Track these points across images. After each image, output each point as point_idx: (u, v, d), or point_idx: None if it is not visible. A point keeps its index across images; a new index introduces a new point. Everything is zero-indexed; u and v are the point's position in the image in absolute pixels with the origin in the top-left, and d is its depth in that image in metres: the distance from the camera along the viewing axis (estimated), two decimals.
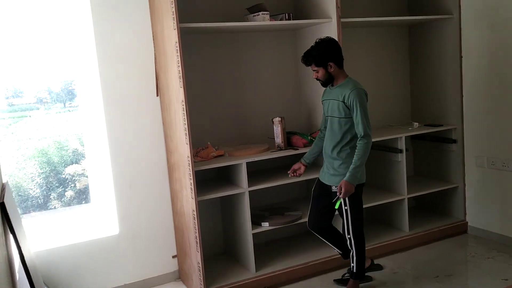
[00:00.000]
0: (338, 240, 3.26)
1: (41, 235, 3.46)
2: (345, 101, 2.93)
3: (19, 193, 3.60)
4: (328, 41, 2.98)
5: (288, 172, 3.31)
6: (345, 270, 3.46)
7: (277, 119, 3.56)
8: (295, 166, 3.30)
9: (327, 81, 3.04)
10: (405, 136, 3.93)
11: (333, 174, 3.06)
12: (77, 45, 3.51)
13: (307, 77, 3.83)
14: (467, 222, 4.18)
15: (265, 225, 3.43)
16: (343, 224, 3.09)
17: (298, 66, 3.98)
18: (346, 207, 3.04)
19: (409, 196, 3.97)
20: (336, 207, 3.03)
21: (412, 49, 4.48)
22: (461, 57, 4.02)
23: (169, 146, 3.48)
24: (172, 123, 3.31)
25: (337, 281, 3.39)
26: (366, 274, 3.28)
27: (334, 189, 3.05)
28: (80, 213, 3.78)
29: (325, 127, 3.15)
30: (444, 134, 4.19)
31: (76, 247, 3.37)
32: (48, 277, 3.27)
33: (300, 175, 3.31)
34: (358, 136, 2.93)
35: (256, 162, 3.46)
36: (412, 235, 3.94)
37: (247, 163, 3.34)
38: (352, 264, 3.14)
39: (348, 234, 3.08)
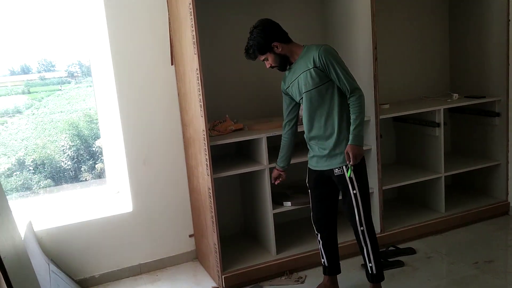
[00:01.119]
0: (333, 247, 2.84)
1: (62, 210, 3.33)
2: (316, 65, 2.53)
3: (51, 165, 3.57)
4: (259, 25, 2.62)
5: (272, 182, 2.95)
6: None
7: None
8: (274, 174, 2.91)
9: (283, 63, 2.67)
10: (443, 109, 3.57)
11: (331, 156, 2.62)
12: (88, 14, 3.27)
13: (335, 44, 3.50)
14: (509, 203, 3.82)
15: (287, 205, 3.18)
16: (353, 213, 2.62)
17: (325, 33, 3.65)
18: (354, 191, 2.59)
19: (446, 174, 3.64)
20: (348, 175, 2.59)
21: (453, 12, 4.06)
22: (508, 20, 3.59)
23: (185, 119, 3.24)
24: (187, 94, 3.06)
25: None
26: (397, 259, 3.00)
27: (337, 172, 2.62)
28: (96, 190, 3.61)
29: (292, 118, 2.80)
30: (486, 106, 3.80)
31: (89, 225, 3.21)
32: (59, 256, 3.13)
33: (284, 179, 2.94)
34: (347, 94, 2.54)
35: (278, 136, 3.18)
36: (448, 217, 3.62)
37: (268, 138, 3.08)
38: (369, 265, 2.67)
39: (361, 225, 2.62)
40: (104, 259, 3.26)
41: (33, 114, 3.58)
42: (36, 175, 3.50)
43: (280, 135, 2.90)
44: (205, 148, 2.85)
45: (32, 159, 3.50)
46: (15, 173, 3.46)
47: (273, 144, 3.32)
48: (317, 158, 2.69)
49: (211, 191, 2.89)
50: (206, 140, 2.83)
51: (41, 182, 3.50)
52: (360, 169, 2.61)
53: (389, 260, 3.19)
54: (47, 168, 3.55)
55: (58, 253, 3.13)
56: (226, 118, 3.24)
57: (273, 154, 3.21)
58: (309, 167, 2.78)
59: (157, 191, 3.35)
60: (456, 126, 4.17)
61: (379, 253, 2.70)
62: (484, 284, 2.85)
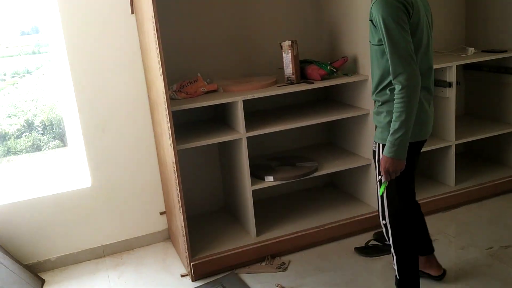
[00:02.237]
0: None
1: (14, 184, 2.91)
2: (371, 18, 1.91)
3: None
4: None
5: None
6: (370, 236, 2.75)
7: (286, 43, 2.73)
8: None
9: None
10: (456, 65, 3.02)
11: (376, 123, 2.08)
12: None
13: None
14: None
15: (269, 180, 2.72)
16: (378, 203, 2.12)
17: None
18: (380, 176, 2.02)
19: (458, 142, 3.13)
20: (380, 193, 2.06)
21: None
22: None
23: (148, 79, 2.74)
24: (147, 48, 2.55)
25: (359, 250, 2.69)
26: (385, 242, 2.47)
27: (373, 146, 2.09)
28: (58, 160, 3.17)
29: None
30: (506, 62, 3.25)
31: (41, 202, 2.78)
32: (7, 238, 2.72)
33: None
34: (395, 74, 1.84)
35: (261, 99, 2.70)
36: (459, 191, 3.14)
37: (246, 101, 2.58)
38: (394, 266, 2.16)
39: (383, 218, 2.10)
40: (61, 240, 2.85)
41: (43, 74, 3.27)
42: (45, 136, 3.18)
43: (266, 98, 2.39)
44: (166, 114, 2.37)
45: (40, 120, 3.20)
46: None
47: (257, 108, 2.86)
48: None
49: (175, 165, 2.43)
50: (166, 104, 2.34)
51: (50, 143, 3.19)
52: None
53: (386, 242, 2.73)
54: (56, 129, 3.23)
55: (5, 235, 2.72)
56: (198, 78, 2.74)
57: (256, 119, 2.75)
58: None
59: (121, 163, 2.89)
60: (471, 86, 3.62)
61: (407, 257, 2.10)
62: (500, 275, 2.39)
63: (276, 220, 2.93)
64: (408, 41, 1.82)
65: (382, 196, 2.07)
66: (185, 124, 2.86)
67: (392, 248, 2.12)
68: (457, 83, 3.06)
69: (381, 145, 2.01)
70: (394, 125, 1.86)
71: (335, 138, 3.31)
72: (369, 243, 2.71)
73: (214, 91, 2.75)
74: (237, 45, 3.03)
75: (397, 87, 1.84)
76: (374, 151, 2.09)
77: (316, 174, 2.80)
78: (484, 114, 3.56)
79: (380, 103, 2.01)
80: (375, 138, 2.07)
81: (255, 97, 2.57)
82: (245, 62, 3.07)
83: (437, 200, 3.08)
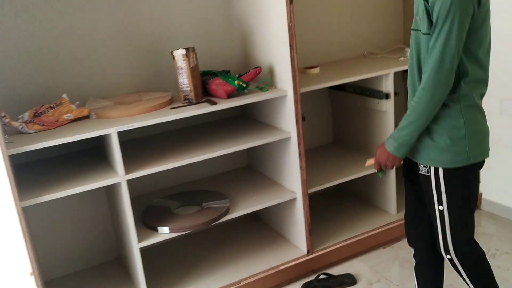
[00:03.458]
0: (429, 274, 1.87)
1: None
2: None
3: None
4: None
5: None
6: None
7: (179, 53, 2.10)
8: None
9: None
10: (394, 73, 2.51)
11: (419, 142, 1.61)
12: None
13: None
14: (481, 193, 2.90)
15: (164, 231, 2.09)
16: (437, 235, 1.70)
17: None
18: (441, 207, 1.65)
19: None
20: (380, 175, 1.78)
21: None
22: None
23: None
24: None
25: None
26: None
27: (422, 170, 1.64)
28: None
29: None
30: None
31: None
32: None
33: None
34: (426, 72, 1.50)
35: (142, 130, 2.08)
36: (401, 220, 2.65)
37: (122, 134, 1.95)
38: None
39: (447, 252, 1.70)
40: None
41: None
42: None
43: (142, 128, 1.80)
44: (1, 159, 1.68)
45: None
46: None
47: (145, 134, 2.25)
48: None
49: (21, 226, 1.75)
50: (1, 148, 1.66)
51: None
52: (461, 181, 1.60)
53: None
54: None
55: None
56: (63, 100, 2.06)
57: (139, 152, 2.14)
58: None
59: None
60: None
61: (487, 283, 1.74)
62: None
63: (179, 274, 2.32)
64: (462, 40, 1.45)
65: (443, 227, 1.65)
66: (44, 162, 2.19)
67: (467, 280, 1.71)
68: (395, 93, 2.56)
69: (440, 169, 1.58)
70: (403, 120, 1.58)
71: (255, 162, 2.73)
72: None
73: (86, 117, 2.09)
74: (126, 52, 2.37)
75: (421, 82, 1.51)
76: (426, 176, 1.62)
77: (226, 218, 2.20)
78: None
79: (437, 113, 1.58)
80: (422, 159, 1.61)
81: (135, 126, 1.93)
82: (137, 74, 2.42)
83: (377, 234, 2.58)
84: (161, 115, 2.00)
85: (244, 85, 2.18)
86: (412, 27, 1.59)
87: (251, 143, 2.20)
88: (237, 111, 2.68)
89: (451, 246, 1.68)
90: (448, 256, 1.70)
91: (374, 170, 1.84)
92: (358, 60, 2.87)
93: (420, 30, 1.53)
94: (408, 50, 2.70)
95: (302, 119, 2.24)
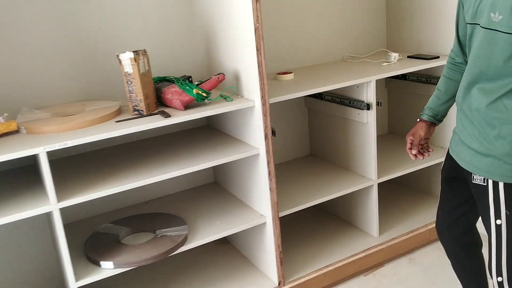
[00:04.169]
0: (470, 272, 1.76)
1: None
2: None
3: None
4: None
5: (412, 153, 1.73)
6: None
7: (127, 57, 1.79)
8: (412, 135, 1.75)
9: None
10: (376, 80, 2.24)
11: (479, 151, 1.44)
12: None
13: None
14: None
15: (107, 266, 1.78)
16: (490, 253, 1.52)
17: None
18: (499, 221, 1.48)
19: (381, 180, 2.37)
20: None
21: None
22: None
23: None
24: None
25: None
26: None
27: (477, 179, 1.47)
28: None
29: (464, 52, 1.58)
30: (439, 71, 2.52)
31: None
32: None
33: (428, 150, 1.76)
34: None
35: (72, 150, 1.77)
36: (384, 244, 2.38)
37: (53, 153, 1.63)
38: None
39: (499, 273, 1.52)
40: None
41: None
42: None
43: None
44: None
45: None
46: None
47: (90, 148, 1.92)
48: (460, 141, 1.53)
49: None
50: None
51: None
52: None
53: None
54: None
55: None
56: None
57: (79, 172, 1.83)
58: (449, 146, 1.65)
59: None
60: (394, 98, 2.88)
61: None
62: None
63: None
64: None
65: (498, 245, 1.48)
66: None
67: None
68: (377, 103, 2.29)
69: (501, 184, 1.41)
70: None
71: (221, 179, 2.44)
72: None
73: (15, 132, 1.76)
74: (67, 55, 2.04)
75: None
76: (482, 186, 1.45)
77: (184, 248, 1.90)
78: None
79: (502, 123, 1.38)
80: (478, 170, 1.45)
81: (69, 145, 1.61)
82: (83, 80, 2.09)
83: (358, 260, 2.30)
84: (103, 131, 1.68)
85: (204, 94, 1.88)
86: (483, 25, 1.36)
87: (213, 162, 1.90)
88: (200, 121, 2.38)
89: (505, 266, 1.50)
90: (499, 279, 1.53)
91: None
92: (337, 65, 2.59)
93: (498, 30, 1.32)
94: (392, 54, 2.45)
95: (272, 133, 1.95)
